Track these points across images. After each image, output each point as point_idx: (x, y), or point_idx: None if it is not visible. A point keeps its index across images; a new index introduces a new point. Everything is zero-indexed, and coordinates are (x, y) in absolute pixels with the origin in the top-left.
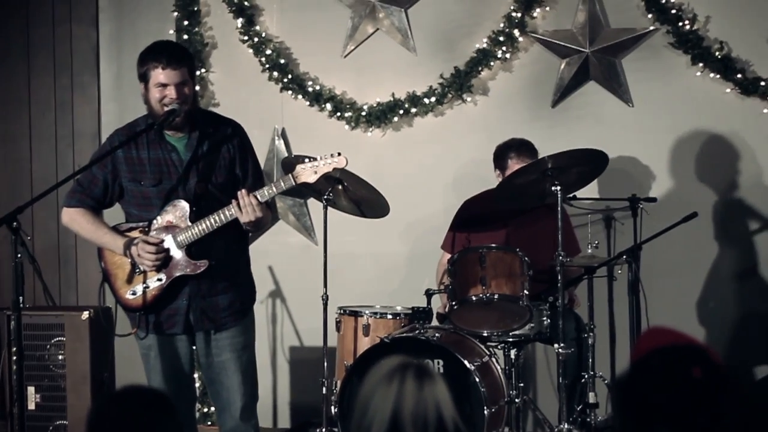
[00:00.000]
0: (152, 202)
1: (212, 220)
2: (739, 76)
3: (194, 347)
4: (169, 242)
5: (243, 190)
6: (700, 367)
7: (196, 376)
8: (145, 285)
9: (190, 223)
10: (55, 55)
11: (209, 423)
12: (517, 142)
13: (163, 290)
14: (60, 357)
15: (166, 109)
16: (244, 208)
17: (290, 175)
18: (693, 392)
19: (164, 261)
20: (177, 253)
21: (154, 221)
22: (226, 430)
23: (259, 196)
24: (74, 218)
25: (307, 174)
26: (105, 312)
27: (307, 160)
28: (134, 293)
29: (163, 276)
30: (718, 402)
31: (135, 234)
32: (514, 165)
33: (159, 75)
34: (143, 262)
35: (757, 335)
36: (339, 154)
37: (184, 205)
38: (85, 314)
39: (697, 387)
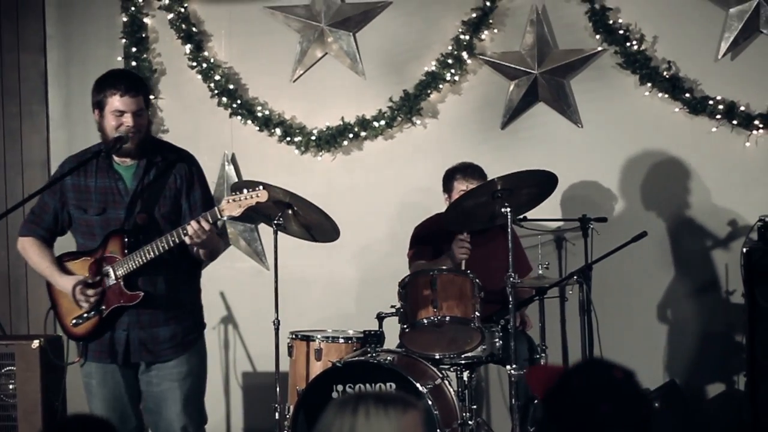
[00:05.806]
0: (95, 231)
1: (148, 250)
2: (687, 95)
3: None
4: (109, 273)
5: (193, 221)
6: (616, 369)
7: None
8: (87, 314)
9: (126, 254)
10: (3, 83)
11: None
12: (464, 165)
13: (103, 319)
14: (11, 386)
15: (115, 135)
16: (192, 230)
17: (216, 208)
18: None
19: (103, 292)
20: (115, 285)
21: (96, 252)
22: None
23: (201, 220)
24: (25, 247)
25: (231, 207)
26: (54, 341)
27: (231, 193)
28: (77, 322)
29: (103, 306)
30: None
31: (74, 265)
32: (459, 186)
33: (116, 102)
34: (82, 305)
35: (711, 353)
36: (262, 187)
37: (121, 236)
38: (36, 343)
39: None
